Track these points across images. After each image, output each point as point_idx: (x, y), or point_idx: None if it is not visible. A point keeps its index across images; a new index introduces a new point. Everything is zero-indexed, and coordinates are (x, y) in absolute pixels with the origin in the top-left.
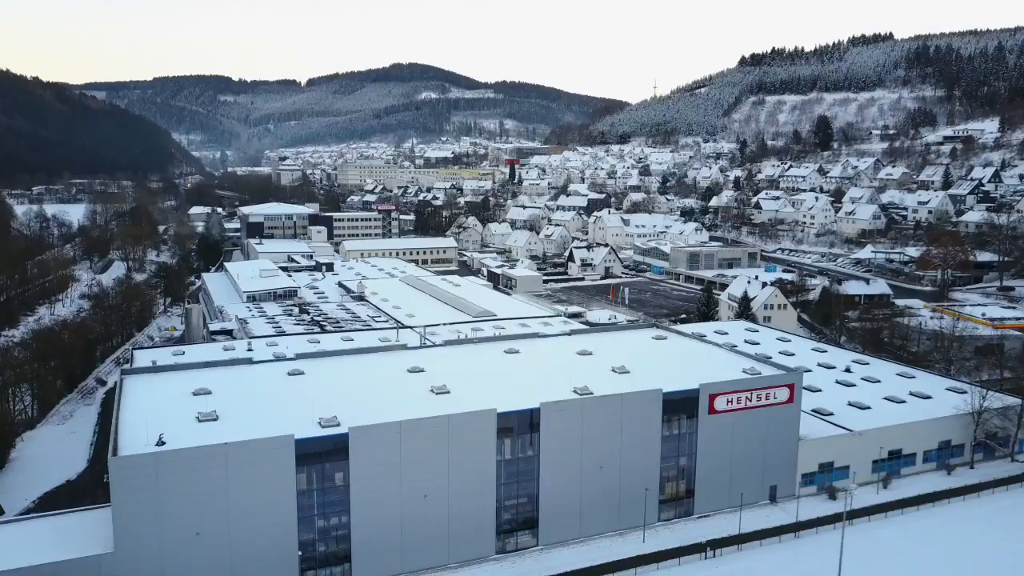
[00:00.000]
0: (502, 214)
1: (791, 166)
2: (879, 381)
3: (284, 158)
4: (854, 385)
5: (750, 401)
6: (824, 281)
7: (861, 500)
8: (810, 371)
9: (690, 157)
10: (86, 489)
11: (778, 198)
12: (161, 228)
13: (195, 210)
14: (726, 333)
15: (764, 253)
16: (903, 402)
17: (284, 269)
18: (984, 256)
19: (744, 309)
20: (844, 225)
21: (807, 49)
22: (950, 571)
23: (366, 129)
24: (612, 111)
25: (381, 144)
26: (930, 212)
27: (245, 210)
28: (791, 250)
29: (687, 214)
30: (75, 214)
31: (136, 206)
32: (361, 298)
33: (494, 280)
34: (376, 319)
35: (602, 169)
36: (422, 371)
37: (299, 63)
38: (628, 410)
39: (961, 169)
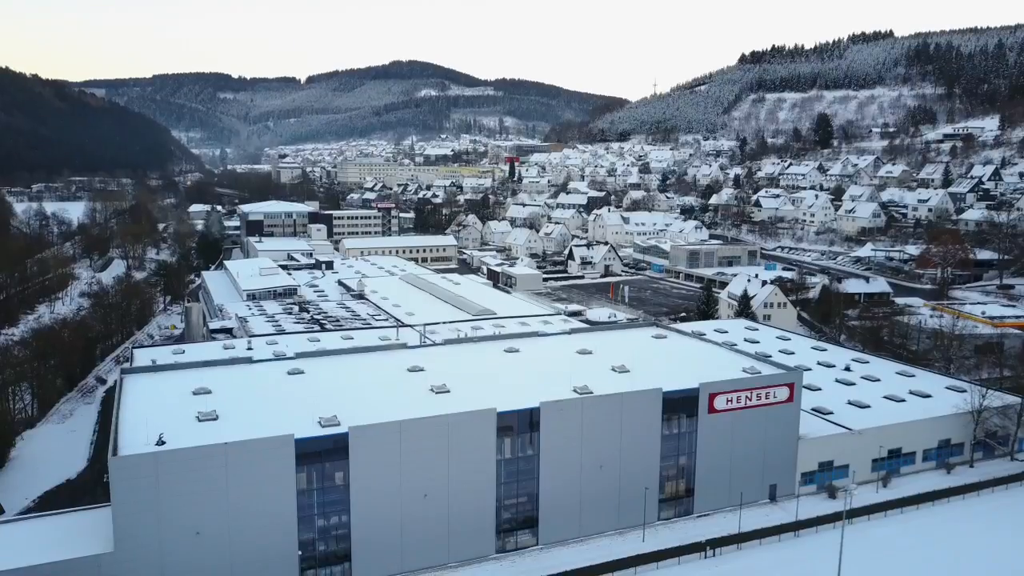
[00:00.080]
0: (502, 212)
1: (791, 164)
2: (879, 380)
3: (284, 156)
4: (854, 384)
5: (750, 400)
6: (824, 279)
7: (861, 499)
8: (810, 370)
9: (690, 155)
10: (86, 488)
11: (778, 196)
12: (161, 226)
13: (195, 208)
14: (726, 332)
15: (764, 251)
16: (903, 401)
17: (284, 267)
18: (984, 254)
19: (744, 307)
20: (844, 223)
21: (807, 47)
22: (950, 570)
23: (366, 127)
24: (612, 109)
25: (381, 142)
26: (930, 210)
27: (245, 208)
28: (791, 248)
29: (687, 212)
30: (75, 212)
31: (136, 204)
32: (361, 296)
33: (494, 278)
34: (376, 317)
35: (602, 167)
36: (422, 370)
37: (299, 60)
38: (628, 409)
39: (961, 167)
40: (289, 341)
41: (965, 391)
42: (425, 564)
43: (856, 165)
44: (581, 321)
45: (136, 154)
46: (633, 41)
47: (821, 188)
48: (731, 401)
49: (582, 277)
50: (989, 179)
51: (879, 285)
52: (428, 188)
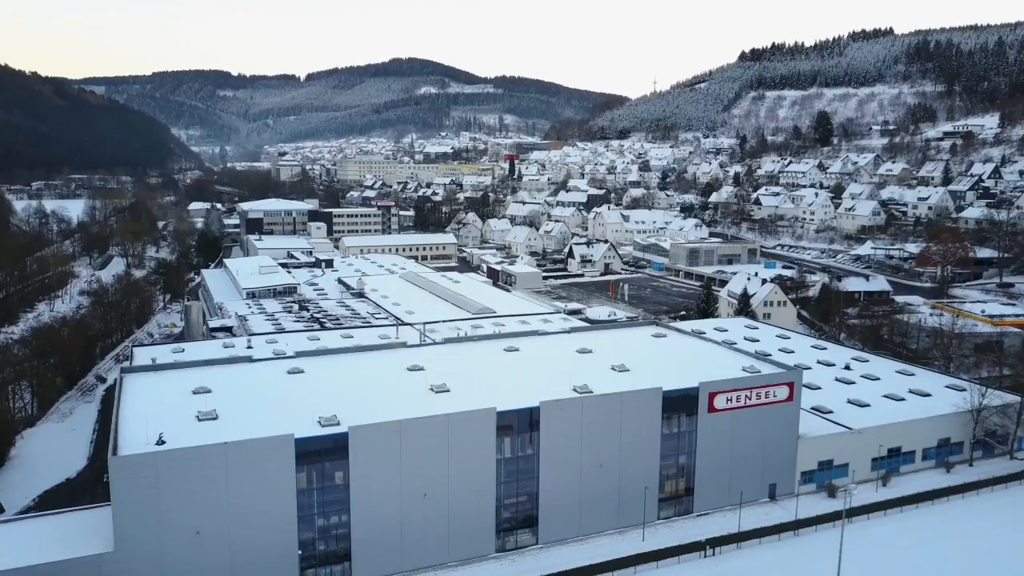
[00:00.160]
0: (502, 210)
1: (791, 162)
2: (878, 378)
3: (283, 153)
4: (853, 383)
5: (750, 399)
6: (824, 277)
7: (860, 498)
8: (809, 368)
9: (690, 153)
10: (86, 487)
11: (778, 194)
12: (160, 224)
13: (194, 206)
14: (726, 330)
15: (764, 249)
16: (902, 400)
17: (284, 265)
18: (984, 252)
19: (744, 306)
20: (844, 221)
21: (807, 44)
22: (949, 569)
23: (365, 124)
24: (612, 106)
25: (380, 139)
26: (930, 208)
27: (244, 206)
28: (791, 246)
29: (687, 210)
30: (74, 210)
31: (135, 202)
32: (361, 295)
33: (494, 276)
34: (376, 316)
35: (602, 164)
36: (422, 369)
37: (298, 58)
38: (628, 409)
39: (961, 165)
40: (289, 340)
41: (965, 390)
42: (425, 563)
43: (856, 163)
44: (581, 319)
45: (136, 152)
46: (633, 38)
47: (821, 186)
48: (731, 400)
49: (582, 275)
50: (989, 177)
51: (879, 283)
52: (428, 186)
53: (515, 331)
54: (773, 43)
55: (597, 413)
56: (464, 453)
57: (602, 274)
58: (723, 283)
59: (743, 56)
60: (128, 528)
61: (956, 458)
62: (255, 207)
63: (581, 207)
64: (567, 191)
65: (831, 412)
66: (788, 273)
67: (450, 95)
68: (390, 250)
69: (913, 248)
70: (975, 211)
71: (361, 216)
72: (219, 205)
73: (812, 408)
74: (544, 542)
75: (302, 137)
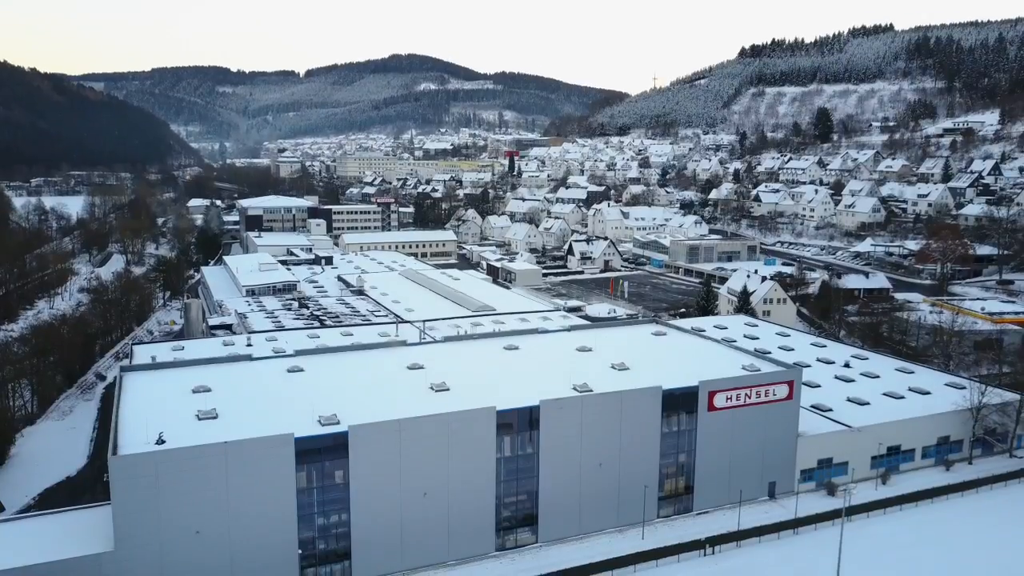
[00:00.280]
0: (501, 207)
1: (791, 158)
2: (878, 376)
3: (283, 150)
4: (853, 380)
5: (749, 398)
6: (823, 275)
7: (860, 496)
8: (809, 366)
9: (690, 149)
10: (86, 486)
11: (778, 191)
12: (160, 221)
13: (194, 203)
14: (725, 328)
15: (763, 246)
16: (902, 398)
17: (283, 263)
18: (984, 249)
19: (743, 303)
20: (844, 218)
21: (807, 40)
22: (949, 567)
23: (365, 120)
24: (611, 102)
25: (380, 135)
26: (930, 205)
27: (244, 203)
28: (791, 243)
29: (687, 207)
30: (74, 207)
31: (135, 198)
32: (360, 292)
33: (493, 273)
34: (375, 314)
35: (601, 161)
36: (422, 368)
37: (297, 54)
38: (627, 407)
39: (961, 162)
40: (288, 338)
41: (964, 388)
42: (425, 562)
43: (856, 159)
44: (580, 317)
45: (135, 148)
46: (633, 35)
47: (821, 183)
48: (731, 399)
49: (581, 272)
50: (989, 174)
51: (879, 280)
52: (427, 182)
53: (515, 329)
54: (773, 39)
55: (597, 412)
56: (464, 452)
57: (602, 271)
58: (723, 280)
59: (743, 52)
60: (128, 527)
61: (956, 456)
62: (255, 204)
63: (581, 204)
64: (567, 188)
65: (831, 410)
66: (788, 270)
67: (450, 91)
68: (390, 247)
69: (913, 245)
70: (975, 208)
71: (361, 213)
72: (218, 202)
73: (812, 406)
74: (544, 541)
75: (302, 133)
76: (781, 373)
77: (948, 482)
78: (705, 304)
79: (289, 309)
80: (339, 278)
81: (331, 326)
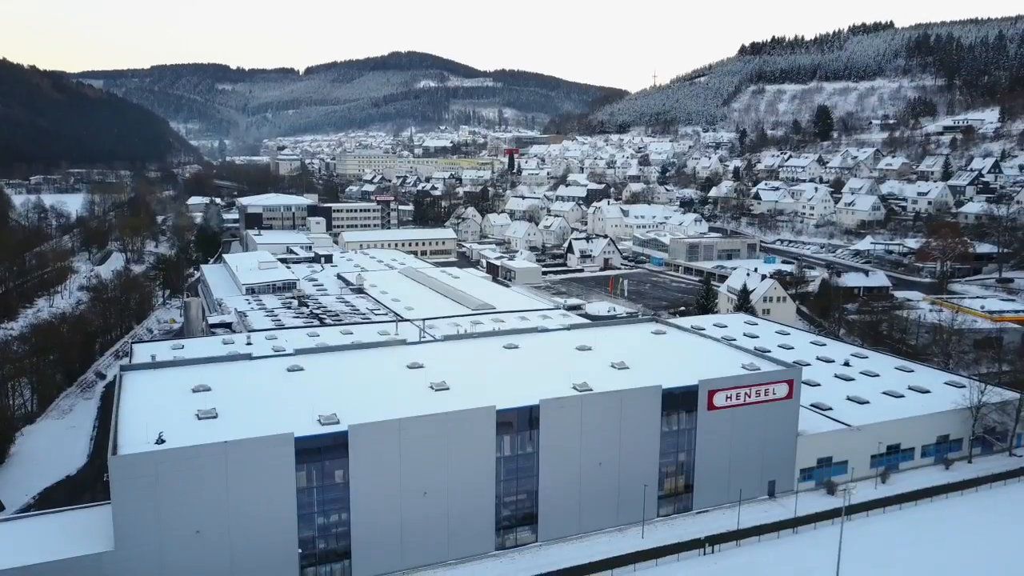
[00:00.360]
0: (501, 204)
1: (791, 156)
2: (878, 375)
3: (282, 147)
4: (853, 379)
5: (749, 397)
6: (823, 273)
7: (859, 495)
8: (809, 365)
9: (689, 147)
10: (86, 485)
11: (777, 188)
12: (159, 219)
13: (193, 200)
14: (725, 326)
15: (763, 244)
16: (901, 396)
17: (283, 261)
18: (983, 247)
19: (743, 302)
20: (843, 216)
21: (807, 38)
22: (948, 566)
23: (365, 118)
24: (612, 100)
25: (380, 133)
26: (930, 203)
27: (244, 201)
28: (790, 241)
29: (686, 205)
30: (73, 204)
31: (134, 196)
32: (360, 290)
33: (493, 272)
34: (375, 312)
35: (601, 159)
36: (421, 367)
37: (297, 51)
38: (627, 407)
39: (961, 159)
40: (288, 336)
41: (964, 386)
42: (425, 561)
43: (856, 157)
44: (580, 315)
45: (134, 146)
46: (633, 32)
47: (821, 180)
48: (730, 398)
49: (581, 270)
50: (989, 172)
51: (878, 279)
52: (427, 180)
53: (515, 328)
54: (773, 37)
55: (597, 411)
56: (464, 451)
57: (601, 269)
58: (723, 278)
59: (743, 50)
60: (128, 527)
61: (955, 455)
62: (254, 202)
63: (580, 202)
64: (566, 186)
65: (830, 409)
66: (787, 268)
67: (449, 89)
68: (389, 245)
69: (912, 243)
70: (975, 206)
71: (360, 211)
72: (218, 200)
73: (811, 405)
74: (544, 540)
75: (301, 131)
76: (781, 372)
77: (948, 481)
78: (705, 302)
79: (289, 307)
80: (339, 276)
81: (331, 324)
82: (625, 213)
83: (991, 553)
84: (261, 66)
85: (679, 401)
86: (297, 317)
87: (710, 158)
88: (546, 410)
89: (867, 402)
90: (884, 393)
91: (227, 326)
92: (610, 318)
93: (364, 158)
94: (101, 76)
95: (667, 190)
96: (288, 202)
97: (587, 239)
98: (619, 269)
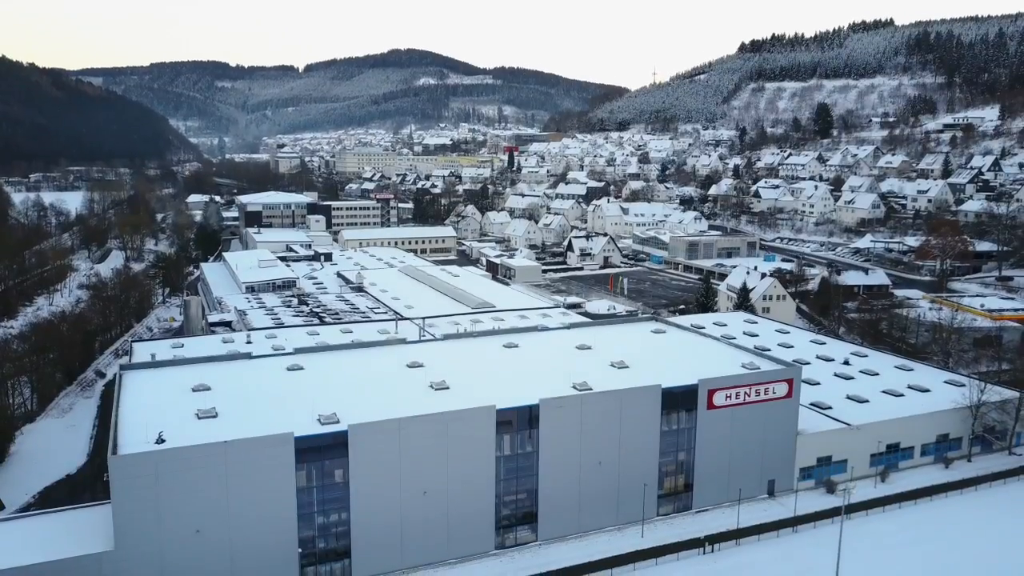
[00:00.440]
0: (501, 202)
1: (790, 154)
2: (877, 374)
3: (282, 145)
4: (852, 378)
5: (749, 396)
6: (823, 271)
7: (859, 494)
8: (808, 364)
9: (689, 144)
10: (86, 484)
11: (777, 186)
12: (159, 217)
13: (193, 198)
14: (725, 325)
15: (763, 242)
16: (901, 395)
17: (283, 259)
18: (983, 246)
19: (743, 300)
20: (843, 214)
21: (807, 35)
22: (948, 565)
23: (364, 115)
24: (611, 98)
25: (379, 130)
26: (929, 201)
27: (243, 199)
28: (790, 239)
29: (686, 203)
30: (73, 202)
31: (134, 194)
32: (360, 289)
33: (493, 270)
34: (375, 310)
35: (601, 156)
36: (421, 366)
37: (296, 49)
38: (627, 406)
39: (961, 157)
40: (288, 335)
41: (964, 385)
42: (425, 560)
43: (856, 155)
44: (580, 314)
45: (134, 143)
46: (633, 29)
47: (820, 178)
48: (730, 397)
49: (581, 268)
50: (989, 170)
51: (878, 277)
52: (427, 178)
53: (514, 327)
54: (773, 34)
55: (596, 410)
56: (464, 450)
57: (601, 267)
58: (722, 276)
59: (743, 47)
60: (128, 527)
61: (955, 454)
62: (254, 200)
63: (580, 200)
64: (566, 183)
65: (830, 408)
66: (787, 266)
67: (449, 86)
68: (389, 243)
69: (912, 241)
70: (975, 204)
71: (360, 209)
72: (218, 198)
73: (811, 404)
74: (543, 539)
75: (301, 128)
76: (780, 371)
77: (947, 480)
78: (704, 301)
79: (288, 306)
80: (338, 274)
81: (330, 323)
82: (625, 211)
83: (991, 552)
84: (261, 63)
85: (679, 400)
86: (297, 315)
87: (710, 156)
88: (546, 409)
89: (867, 401)
90: (884, 392)
91: (227, 324)
92: (610, 316)
93: (364, 156)
94: (100, 74)
95: (667, 188)
96: (288, 200)
97: (587, 237)
98: (619, 267)
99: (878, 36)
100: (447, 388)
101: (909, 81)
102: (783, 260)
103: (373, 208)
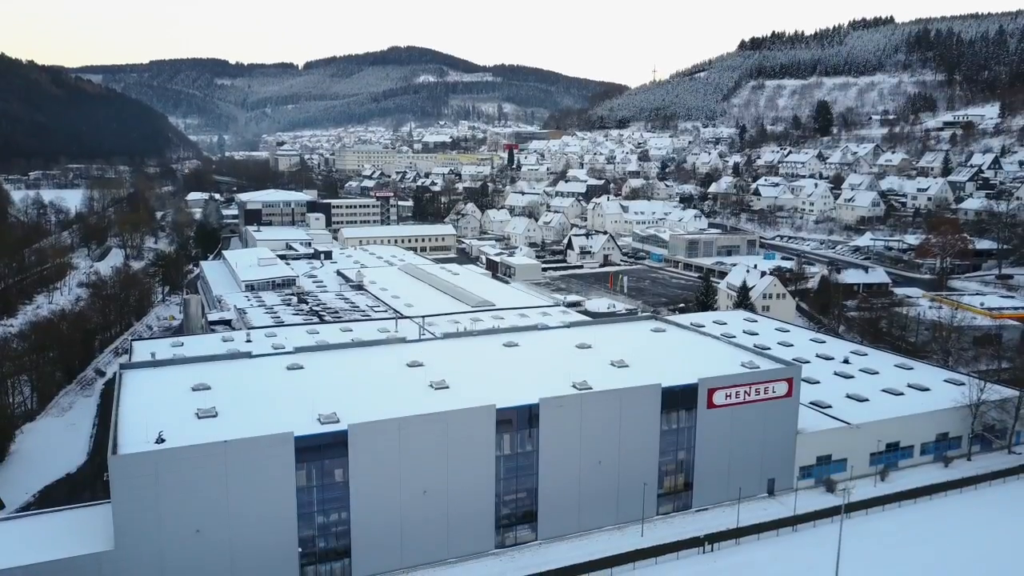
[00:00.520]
0: (500, 200)
1: (790, 152)
2: (877, 373)
3: (282, 143)
4: (852, 377)
5: (748, 395)
6: (823, 269)
7: (859, 493)
8: (808, 362)
9: (689, 142)
10: (86, 483)
11: (777, 184)
12: (159, 215)
13: (193, 196)
14: (725, 323)
15: (763, 240)
16: (901, 394)
17: (283, 257)
18: (983, 244)
19: (743, 299)
20: (843, 212)
21: (807, 33)
22: (947, 564)
23: (364, 113)
24: (611, 95)
25: (379, 128)
26: (929, 199)
27: (243, 197)
28: (790, 237)
29: (686, 200)
30: (72, 200)
31: (133, 192)
32: (360, 287)
33: (493, 268)
34: (375, 309)
35: (601, 154)
36: (421, 365)
37: (296, 46)
38: (627, 405)
39: (961, 155)
40: (288, 334)
41: (963, 384)
42: (425, 560)
43: (856, 153)
44: (580, 312)
45: (133, 141)
46: (632, 27)
47: (820, 176)
48: (730, 396)
49: (581, 267)
50: (989, 167)
51: (878, 275)
52: (427, 176)
53: (514, 326)
54: (773, 32)
55: (596, 410)
56: (464, 450)
57: (601, 265)
58: (722, 275)
59: (743, 45)
60: (128, 527)
61: (954, 453)
62: (254, 198)
63: (580, 197)
64: (566, 181)
65: (830, 407)
66: (787, 265)
67: (449, 84)
68: (389, 241)
69: (912, 239)
70: (975, 202)
71: (360, 207)
72: (217, 195)
73: (811, 403)
74: (543, 538)
75: (300, 126)
76: (780, 370)
77: (947, 479)
78: (704, 299)
79: (288, 304)
80: (338, 273)
81: (330, 322)
82: (625, 209)
83: (990, 551)
84: (260, 61)
85: (679, 399)
86: (297, 314)
87: (710, 154)
88: (546, 409)
89: (866, 400)
90: (883, 391)
91: (227, 323)
92: (610, 315)
93: (363, 153)
94: (100, 71)
95: (667, 186)
96: (287, 198)
97: (587, 235)
98: (619, 265)
99: (878, 33)
100: (447, 387)
101: (909, 79)
102: (783, 258)
103: (373, 206)
